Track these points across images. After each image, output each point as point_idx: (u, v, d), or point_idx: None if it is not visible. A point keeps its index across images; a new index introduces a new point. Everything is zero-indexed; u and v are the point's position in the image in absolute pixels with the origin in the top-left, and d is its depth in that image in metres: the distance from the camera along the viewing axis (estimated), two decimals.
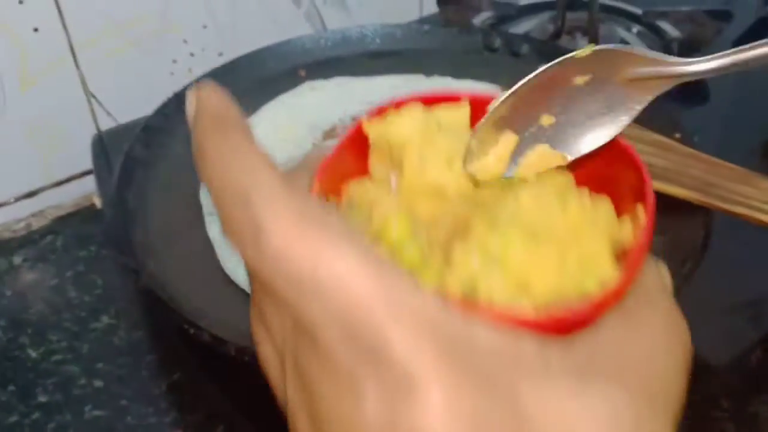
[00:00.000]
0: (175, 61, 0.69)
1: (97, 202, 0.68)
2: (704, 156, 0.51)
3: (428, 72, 0.64)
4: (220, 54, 0.72)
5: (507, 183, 0.25)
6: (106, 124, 0.68)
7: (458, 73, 0.63)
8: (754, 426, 0.47)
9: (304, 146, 0.52)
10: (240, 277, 0.43)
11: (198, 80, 0.61)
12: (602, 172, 0.24)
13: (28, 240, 0.65)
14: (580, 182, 0.25)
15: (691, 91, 0.72)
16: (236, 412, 0.45)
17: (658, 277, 0.22)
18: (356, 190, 0.25)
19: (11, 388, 0.52)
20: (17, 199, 0.66)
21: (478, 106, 0.25)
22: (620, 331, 0.20)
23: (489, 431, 0.18)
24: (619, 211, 0.23)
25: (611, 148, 0.24)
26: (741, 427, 0.47)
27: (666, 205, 0.48)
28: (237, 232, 0.20)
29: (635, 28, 0.80)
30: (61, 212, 0.68)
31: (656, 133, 0.53)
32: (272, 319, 0.21)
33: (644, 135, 0.53)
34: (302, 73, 0.64)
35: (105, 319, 0.57)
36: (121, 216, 0.47)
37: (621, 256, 0.22)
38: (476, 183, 0.24)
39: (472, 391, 0.18)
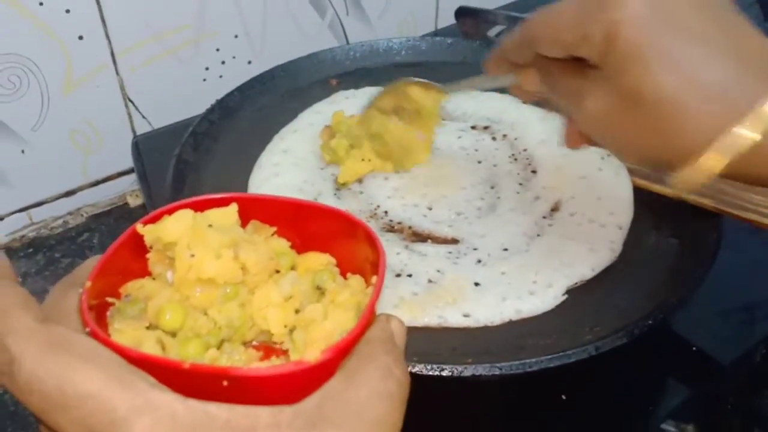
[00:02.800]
0: (207, 69, 0.72)
1: (131, 201, 0.71)
2: None
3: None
4: (249, 62, 0.75)
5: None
6: (141, 128, 0.70)
7: None
8: (758, 418, 0.51)
9: (341, 153, 0.55)
10: None
11: (236, 88, 0.64)
12: (358, 254, 0.30)
13: (65, 237, 0.68)
14: (342, 264, 0.30)
15: None
16: None
17: (384, 332, 0.27)
18: (133, 287, 0.29)
19: None
20: (56, 198, 0.69)
21: (244, 204, 0.30)
22: (343, 384, 0.25)
23: None
24: (370, 282, 0.29)
25: (360, 232, 0.30)
26: (746, 419, 0.50)
27: (681, 211, 0.52)
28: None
29: None
30: (97, 210, 0.70)
31: None
32: (44, 429, 0.25)
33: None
34: (334, 82, 0.67)
35: None
36: None
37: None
38: (245, 270, 0.28)
39: None
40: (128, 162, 0.70)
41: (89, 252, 0.66)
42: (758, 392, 0.52)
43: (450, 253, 0.50)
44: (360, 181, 0.56)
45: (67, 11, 0.61)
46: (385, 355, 0.26)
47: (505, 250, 0.51)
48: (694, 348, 0.51)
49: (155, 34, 0.67)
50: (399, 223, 0.53)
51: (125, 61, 0.67)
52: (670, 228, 0.53)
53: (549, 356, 0.41)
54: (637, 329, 0.43)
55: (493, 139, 0.61)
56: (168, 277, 0.29)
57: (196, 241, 0.28)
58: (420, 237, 0.52)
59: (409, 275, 0.48)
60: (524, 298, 0.47)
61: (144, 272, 0.29)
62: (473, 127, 0.62)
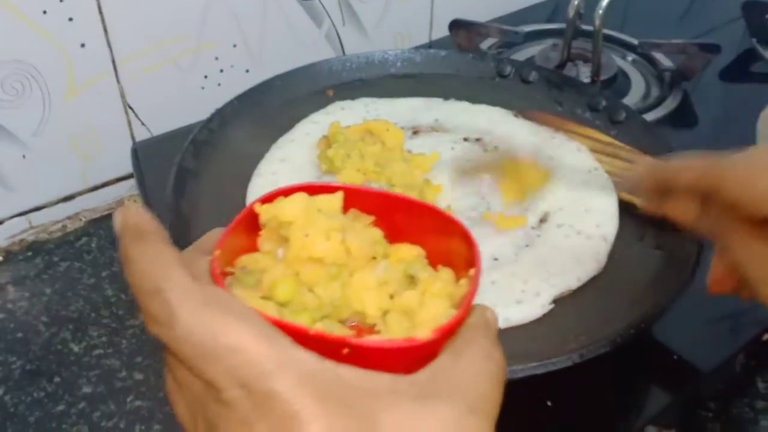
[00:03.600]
0: (206, 77, 0.74)
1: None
2: None
3: (446, 95, 0.69)
4: (247, 71, 0.76)
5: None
6: (140, 134, 0.72)
7: (473, 98, 0.68)
8: (737, 425, 0.53)
9: (337, 163, 0.57)
10: None
11: (235, 97, 0.65)
12: (448, 248, 0.32)
13: (63, 241, 0.69)
14: (431, 256, 0.33)
15: (681, 115, 0.78)
16: None
17: (481, 318, 0.29)
18: (248, 260, 0.31)
19: (57, 379, 0.56)
20: (56, 202, 0.70)
21: (349, 194, 0.33)
22: (450, 363, 0.27)
23: None
24: (460, 274, 0.31)
25: (453, 229, 0.32)
26: (725, 426, 0.52)
27: (665, 224, 0.54)
28: (154, 318, 0.26)
29: (630, 57, 0.86)
30: (95, 215, 0.72)
31: (650, 155, 0.58)
32: (184, 383, 0.27)
33: (640, 158, 0.58)
34: (330, 93, 0.68)
35: (141, 317, 0.60)
36: (177, 221, 0.51)
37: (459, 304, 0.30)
38: (348, 253, 0.31)
39: (341, 419, 0.24)
40: (126, 168, 0.71)
41: (87, 255, 0.67)
42: (737, 399, 0.54)
43: None
44: None
45: (70, 19, 0.63)
46: (484, 339, 0.28)
47: (495, 259, 0.52)
48: (675, 356, 0.53)
49: (156, 43, 0.69)
50: None
51: (126, 68, 0.68)
52: (654, 240, 0.55)
53: (535, 363, 0.43)
54: (619, 338, 0.45)
55: (485, 151, 0.63)
56: (278, 253, 0.31)
57: (309, 223, 0.30)
58: None
59: None
60: (513, 307, 0.49)
61: (253, 248, 0.31)
62: (465, 139, 0.64)
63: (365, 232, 0.32)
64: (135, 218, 0.28)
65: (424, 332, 0.27)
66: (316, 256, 0.30)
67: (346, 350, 0.26)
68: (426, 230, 0.32)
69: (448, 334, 0.28)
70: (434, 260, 0.32)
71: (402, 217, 0.33)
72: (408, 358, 0.27)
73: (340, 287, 0.30)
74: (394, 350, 0.27)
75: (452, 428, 0.25)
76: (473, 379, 0.27)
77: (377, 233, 0.32)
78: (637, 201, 0.57)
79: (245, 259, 0.31)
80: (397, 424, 0.25)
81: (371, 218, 0.33)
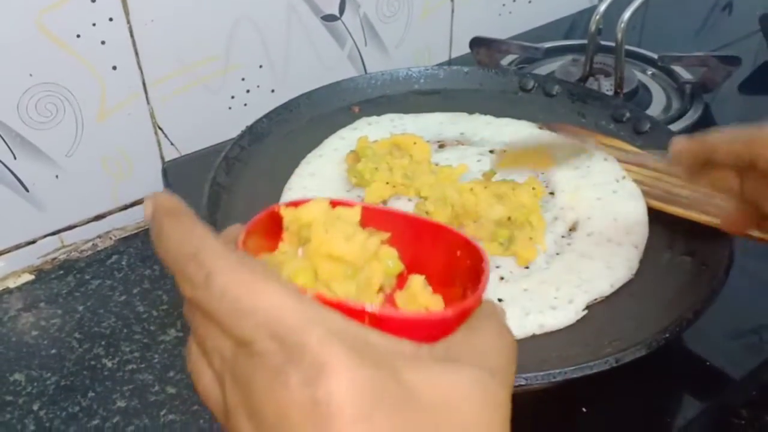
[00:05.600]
0: (233, 97, 0.75)
1: None
2: None
3: (470, 110, 0.70)
4: (273, 90, 0.78)
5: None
6: (169, 154, 0.73)
7: (497, 112, 0.69)
8: None
9: (367, 176, 0.58)
10: None
11: (264, 115, 0.67)
12: (458, 262, 0.33)
13: (94, 259, 0.70)
14: (441, 271, 0.34)
15: (703, 127, 0.78)
16: None
17: (492, 305, 0.31)
18: (267, 257, 0.32)
19: (91, 394, 0.56)
20: (87, 222, 0.71)
21: (366, 212, 0.34)
22: (467, 336, 0.29)
23: (383, 397, 0.25)
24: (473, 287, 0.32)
25: (458, 240, 0.33)
26: None
27: (694, 231, 0.54)
28: (190, 280, 0.27)
29: (650, 71, 0.87)
30: (125, 233, 0.73)
31: None
32: (213, 345, 0.28)
33: (672, 169, 0.58)
34: (356, 109, 0.70)
35: (172, 332, 0.61)
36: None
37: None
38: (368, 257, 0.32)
39: (368, 371, 0.25)
40: (155, 186, 0.72)
41: (118, 273, 0.68)
42: None
43: None
44: (384, 202, 0.59)
45: (103, 43, 0.64)
46: (496, 320, 0.30)
47: (527, 267, 0.53)
48: (707, 362, 0.53)
49: (185, 65, 0.70)
50: None
51: (156, 90, 0.69)
52: (684, 246, 0.55)
53: (572, 367, 0.43)
54: (655, 342, 0.45)
55: None
56: (298, 253, 0.32)
57: (329, 223, 0.32)
58: None
59: None
60: (546, 313, 0.49)
61: (272, 251, 0.33)
62: (491, 151, 0.64)
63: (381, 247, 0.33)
64: (167, 200, 0.30)
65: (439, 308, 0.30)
66: (336, 254, 0.31)
67: (366, 319, 0.27)
68: (436, 246, 0.34)
69: (464, 313, 0.30)
70: (445, 276, 0.33)
71: (411, 237, 0.34)
72: (425, 332, 0.29)
73: (355, 287, 0.31)
74: (411, 321, 0.29)
75: (477, 386, 0.27)
76: (490, 351, 0.29)
77: (392, 251, 0.33)
78: (668, 208, 0.57)
79: (264, 257, 0.32)
80: (420, 381, 0.26)
81: (387, 235, 0.34)
